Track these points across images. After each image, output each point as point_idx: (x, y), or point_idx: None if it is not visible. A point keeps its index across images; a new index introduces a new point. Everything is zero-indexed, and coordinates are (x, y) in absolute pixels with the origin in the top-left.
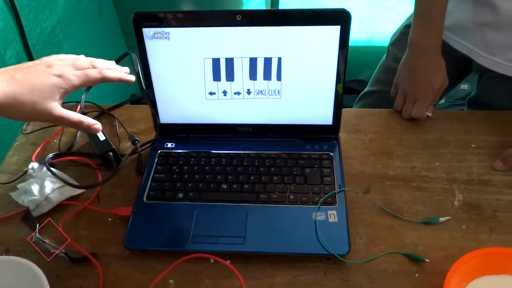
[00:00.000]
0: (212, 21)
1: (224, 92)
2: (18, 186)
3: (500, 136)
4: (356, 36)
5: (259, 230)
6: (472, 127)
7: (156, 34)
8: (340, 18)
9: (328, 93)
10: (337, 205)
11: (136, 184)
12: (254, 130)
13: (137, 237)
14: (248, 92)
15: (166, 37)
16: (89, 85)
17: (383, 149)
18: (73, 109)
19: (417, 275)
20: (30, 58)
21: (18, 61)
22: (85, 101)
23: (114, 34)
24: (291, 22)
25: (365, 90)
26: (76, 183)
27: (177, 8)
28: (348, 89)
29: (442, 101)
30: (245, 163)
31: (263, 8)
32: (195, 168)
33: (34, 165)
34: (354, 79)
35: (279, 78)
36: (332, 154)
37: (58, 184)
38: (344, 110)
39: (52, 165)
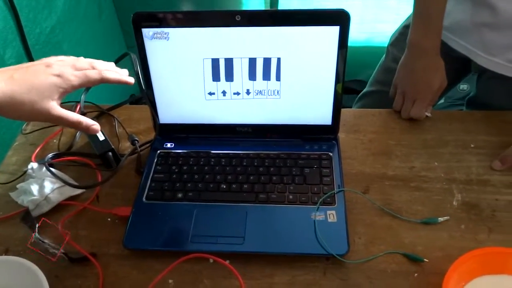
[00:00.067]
0: (212, 21)
1: (224, 92)
2: (18, 186)
3: (499, 136)
4: (355, 37)
5: (258, 230)
6: (471, 127)
7: (155, 34)
8: (339, 18)
9: (327, 93)
10: (336, 205)
11: (135, 184)
12: (253, 130)
13: (137, 237)
14: (248, 92)
15: (165, 37)
16: (88, 85)
17: (382, 149)
18: (72, 109)
19: (416, 275)
20: (30, 58)
21: (18, 61)
22: (85, 101)
23: (113, 34)
24: (290, 22)
25: (364, 90)
26: (76, 183)
27: (176, 9)
28: (347, 89)
29: (441, 101)
30: (245, 163)
31: (262, 8)
32: (195, 168)
33: (34, 165)
34: (353, 79)
35: (278, 78)
36: (331, 154)
37: (58, 184)
38: (343, 110)
39: (51, 165)
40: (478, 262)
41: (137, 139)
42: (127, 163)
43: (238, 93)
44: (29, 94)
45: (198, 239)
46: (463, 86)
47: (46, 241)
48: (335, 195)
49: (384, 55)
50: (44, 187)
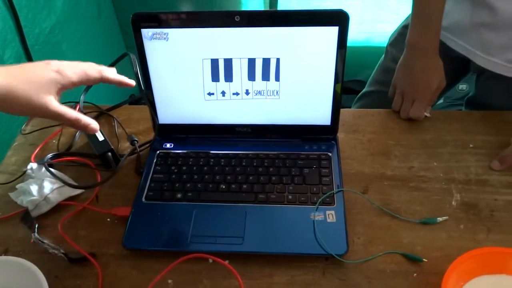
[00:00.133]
0: (211, 21)
1: (223, 93)
2: (17, 186)
3: (498, 136)
4: (355, 37)
5: (257, 230)
6: (470, 127)
7: (155, 35)
8: (338, 18)
9: (327, 93)
10: (335, 205)
11: (135, 184)
12: (252, 130)
13: (136, 237)
14: (247, 92)
15: (164, 38)
16: (87, 83)
17: (381, 149)
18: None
19: (415, 275)
20: (29, 58)
21: (17, 62)
22: (84, 101)
23: (113, 35)
24: (289, 22)
25: (364, 90)
26: (75, 184)
27: (176, 9)
28: (346, 89)
29: (441, 101)
30: (244, 164)
31: (262, 9)
32: (194, 168)
33: (33, 165)
34: (353, 79)
35: (277, 78)
36: (330, 154)
37: (57, 184)
38: (342, 110)
39: (51, 165)
40: (477, 262)
41: (136, 139)
42: (127, 163)
43: (237, 94)
44: (26, 87)
45: (198, 239)
46: (462, 86)
47: (45, 241)
48: (334, 195)
49: (383, 55)
50: (43, 187)
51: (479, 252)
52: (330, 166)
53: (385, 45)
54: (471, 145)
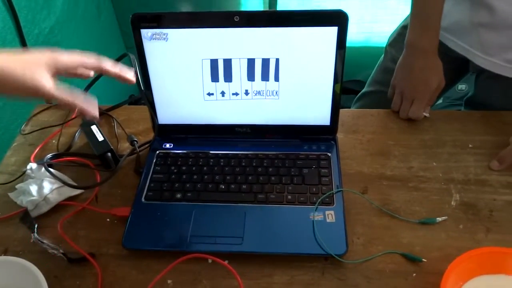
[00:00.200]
0: (210, 22)
1: (222, 93)
2: (17, 186)
3: (497, 136)
4: (354, 37)
5: (257, 230)
6: (469, 127)
7: (154, 35)
8: (338, 19)
9: (326, 93)
10: (334, 205)
11: (134, 184)
12: (252, 130)
13: (136, 237)
14: (246, 93)
15: (164, 38)
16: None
17: (381, 149)
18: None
19: (414, 274)
20: None
21: None
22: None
23: (112, 35)
24: (289, 23)
25: (363, 90)
26: (75, 184)
27: (175, 9)
28: (345, 89)
29: (440, 101)
30: (243, 164)
31: (261, 9)
32: (194, 168)
33: (33, 165)
34: (352, 79)
35: (277, 79)
36: (329, 154)
37: (57, 184)
38: (342, 110)
39: (50, 165)
40: (476, 262)
41: (136, 139)
42: (126, 164)
43: (236, 94)
44: (20, 67)
45: (197, 239)
46: (461, 86)
47: (45, 241)
48: (334, 195)
49: (382, 55)
50: (43, 187)
51: (478, 252)
52: (329, 166)
53: (385, 45)
54: (470, 145)
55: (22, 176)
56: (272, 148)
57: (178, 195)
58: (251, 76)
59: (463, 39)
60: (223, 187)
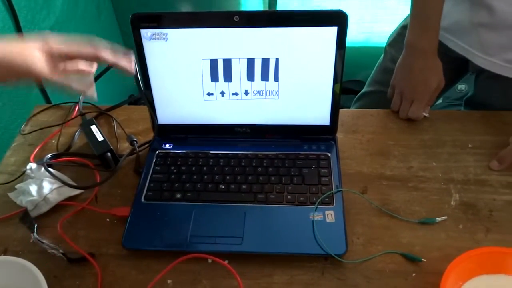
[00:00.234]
0: (210, 22)
1: (222, 93)
2: (16, 186)
3: (496, 136)
4: (353, 37)
5: (257, 230)
6: (469, 127)
7: (154, 35)
8: (337, 19)
9: (326, 93)
10: (334, 205)
11: (134, 184)
12: (251, 130)
13: (135, 237)
14: (246, 93)
15: (164, 38)
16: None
17: (381, 149)
18: (71, 110)
19: (414, 274)
20: None
21: None
22: (83, 102)
23: (112, 35)
24: (288, 23)
25: (363, 90)
26: (74, 184)
27: (175, 9)
28: (345, 89)
29: (440, 101)
30: (243, 164)
31: (261, 9)
32: (193, 168)
33: (32, 165)
34: (352, 79)
35: (276, 79)
36: (329, 154)
37: (56, 184)
38: (341, 110)
39: (50, 165)
40: (476, 262)
41: (135, 139)
42: (126, 164)
43: (236, 94)
44: (8, 49)
45: (197, 239)
46: (461, 86)
47: (44, 241)
48: (333, 195)
49: (382, 56)
50: (42, 187)
51: (478, 252)
52: (329, 166)
53: (384, 45)
54: (470, 145)
55: (22, 176)
56: (272, 148)
57: (178, 195)
58: (250, 76)
59: (463, 39)
60: (223, 187)
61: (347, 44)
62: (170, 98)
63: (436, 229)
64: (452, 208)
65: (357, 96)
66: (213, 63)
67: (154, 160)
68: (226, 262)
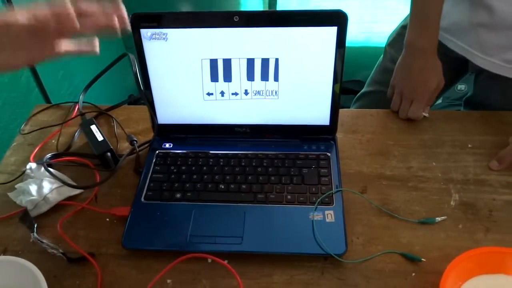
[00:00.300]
0: (210, 22)
1: (222, 93)
2: (16, 186)
3: (496, 136)
4: (353, 37)
5: (256, 230)
6: (469, 127)
7: (154, 35)
8: (337, 19)
9: (325, 93)
10: (334, 205)
11: (134, 184)
12: (251, 130)
13: (135, 237)
14: (246, 92)
15: (164, 38)
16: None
17: (380, 149)
18: (71, 110)
19: (413, 274)
20: None
21: None
22: (83, 102)
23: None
24: (288, 23)
25: (362, 90)
26: (74, 183)
27: (175, 9)
28: (345, 89)
29: (439, 101)
30: (243, 164)
31: (261, 9)
32: (193, 168)
33: (32, 165)
34: (351, 79)
35: (276, 78)
36: (329, 154)
37: (56, 184)
38: (341, 110)
39: (50, 165)
40: (475, 262)
41: (135, 139)
42: (126, 163)
43: (236, 94)
44: None
45: (197, 239)
46: (461, 86)
47: (44, 241)
48: (333, 195)
49: (382, 56)
50: (42, 187)
51: (478, 252)
52: (329, 166)
53: (384, 45)
54: (469, 145)
55: (22, 175)
56: (272, 148)
57: (178, 195)
58: (250, 76)
59: (462, 39)
60: (222, 187)
61: (347, 44)
62: (170, 98)
63: (435, 229)
64: (452, 208)
65: (357, 96)
66: (213, 63)
67: (154, 160)
68: (226, 261)
